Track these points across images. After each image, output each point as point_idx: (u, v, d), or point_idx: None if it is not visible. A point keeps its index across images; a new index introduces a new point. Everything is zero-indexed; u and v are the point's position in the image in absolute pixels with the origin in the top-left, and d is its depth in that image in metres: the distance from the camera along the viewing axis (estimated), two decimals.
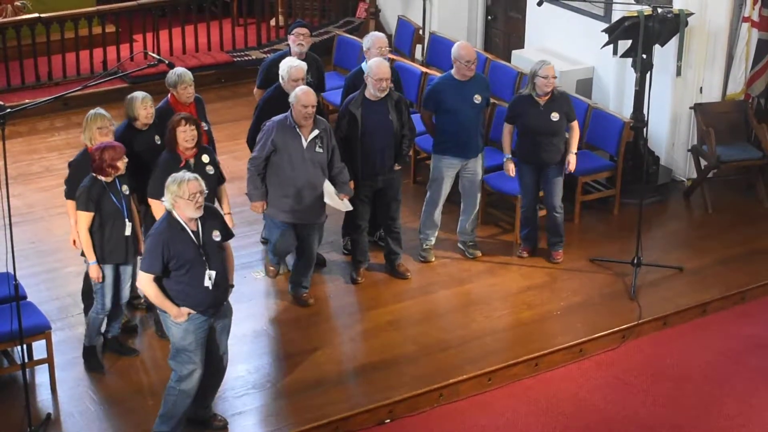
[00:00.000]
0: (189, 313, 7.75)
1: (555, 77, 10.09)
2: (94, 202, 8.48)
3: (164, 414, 8.07)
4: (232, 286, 8.15)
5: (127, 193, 8.65)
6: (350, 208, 9.70)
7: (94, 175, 8.51)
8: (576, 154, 10.40)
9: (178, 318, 7.74)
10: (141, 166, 9.08)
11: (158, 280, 7.72)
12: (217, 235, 7.87)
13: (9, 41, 14.04)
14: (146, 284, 7.72)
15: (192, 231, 7.70)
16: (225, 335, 8.15)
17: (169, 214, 7.69)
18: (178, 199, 7.59)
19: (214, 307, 7.89)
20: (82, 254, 8.78)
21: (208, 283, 7.75)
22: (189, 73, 9.77)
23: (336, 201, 9.53)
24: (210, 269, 7.76)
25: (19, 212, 10.93)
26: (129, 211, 8.65)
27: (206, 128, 9.90)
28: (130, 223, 8.64)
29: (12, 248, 7.70)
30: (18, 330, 7.99)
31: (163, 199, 7.74)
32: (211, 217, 7.86)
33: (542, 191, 10.50)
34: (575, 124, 10.40)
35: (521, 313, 9.91)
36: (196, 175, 7.74)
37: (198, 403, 8.16)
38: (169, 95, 9.76)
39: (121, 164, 8.49)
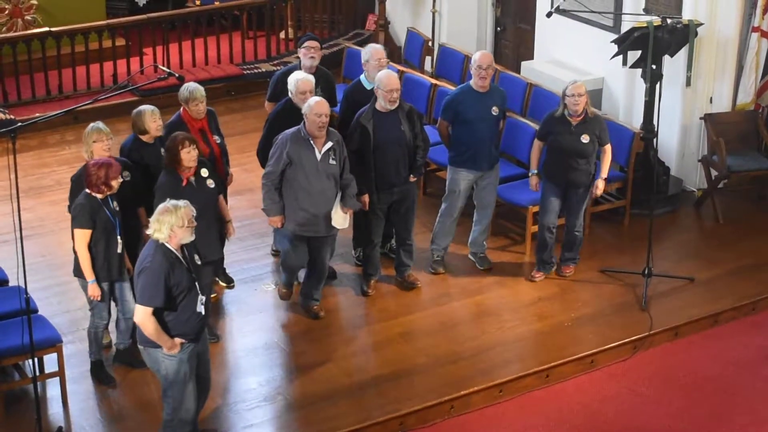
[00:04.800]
0: (182, 343, 7.68)
1: (582, 95, 9.91)
2: (92, 219, 8.47)
3: None
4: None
5: (117, 208, 8.61)
6: (344, 226, 9.62)
7: (89, 192, 8.49)
8: (605, 179, 10.29)
9: (172, 350, 7.65)
10: (151, 178, 9.09)
11: (155, 313, 7.57)
12: (198, 259, 7.81)
13: (20, 55, 14.08)
14: (146, 319, 7.55)
15: (182, 257, 7.63)
16: (208, 357, 8.11)
17: (160, 245, 7.55)
18: (177, 228, 7.49)
19: (201, 333, 7.83)
20: (75, 274, 8.76)
21: (200, 308, 7.71)
22: (201, 88, 9.72)
23: (338, 215, 9.48)
24: (201, 294, 7.72)
25: (30, 226, 10.95)
26: (121, 228, 8.62)
27: (218, 141, 9.90)
28: (122, 240, 8.62)
29: (23, 262, 7.71)
30: (29, 343, 8.00)
31: (150, 231, 7.58)
32: (190, 242, 7.75)
33: (564, 210, 10.38)
34: (608, 147, 10.23)
35: (532, 324, 9.90)
36: (186, 201, 7.64)
37: None
38: (181, 109, 9.75)
39: (115, 183, 8.44)
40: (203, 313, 7.74)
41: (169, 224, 7.49)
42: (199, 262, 7.81)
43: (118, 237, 8.60)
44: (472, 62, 10.26)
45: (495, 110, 10.25)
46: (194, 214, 7.62)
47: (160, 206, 7.59)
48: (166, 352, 7.67)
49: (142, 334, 7.69)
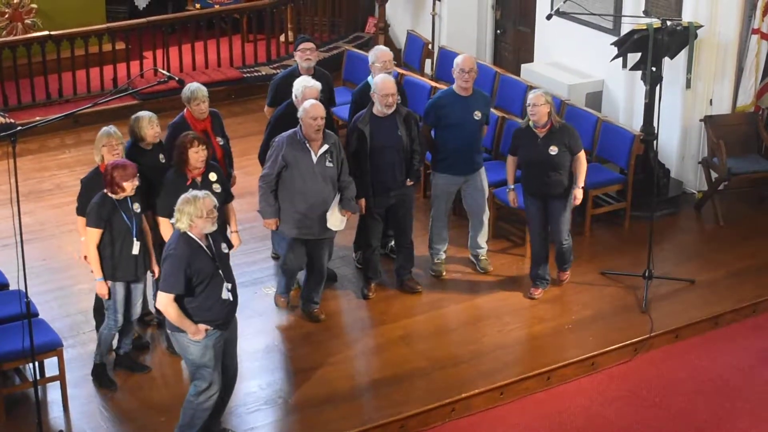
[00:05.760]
0: (206, 330, 7.77)
1: (540, 105, 9.69)
2: (104, 220, 8.50)
3: (183, 425, 8.11)
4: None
5: (138, 211, 8.65)
6: (340, 228, 9.60)
7: (106, 192, 8.53)
8: (583, 187, 10.04)
9: (196, 335, 7.76)
10: (147, 184, 9.09)
11: (177, 300, 7.72)
12: (225, 247, 7.95)
13: (20, 59, 14.09)
14: (167, 305, 7.71)
15: (205, 246, 7.75)
16: (235, 347, 8.22)
17: (182, 233, 7.69)
18: (196, 219, 7.62)
19: (229, 320, 7.94)
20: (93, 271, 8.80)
21: (227, 295, 7.81)
22: (203, 89, 9.75)
23: (335, 216, 9.49)
24: (227, 281, 7.82)
25: (30, 230, 10.95)
26: (139, 230, 8.65)
27: (222, 143, 9.91)
28: (139, 242, 8.64)
29: (23, 266, 7.71)
30: (30, 347, 8.00)
31: (173, 221, 7.74)
32: (217, 231, 7.89)
33: (548, 224, 10.24)
34: (581, 155, 10.00)
35: (533, 326, 9.90)
36: (206, 192, 7.80)
37: (210, 417, 8.17)
38: (184, 110, 9.77)
39: (128, 185, 8.46)
40: (230, 299, 7.84)
41: (188, 214, 7.63)
42: (226, 251, 7.95)
43: (134, 239, 8.61)
44: (454, 66, 10.22)
45: (477, 114, 10.22)
46: (216, 205, 7.73)
47: (182, 196, 7.73)
48: (190, 338, 7.76)
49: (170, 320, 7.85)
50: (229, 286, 7.86)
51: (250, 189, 11.32)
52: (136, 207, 8.63)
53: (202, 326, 7.76)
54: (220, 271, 7.80)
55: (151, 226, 9.03)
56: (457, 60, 10.22)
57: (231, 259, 10.08)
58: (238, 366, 8.35)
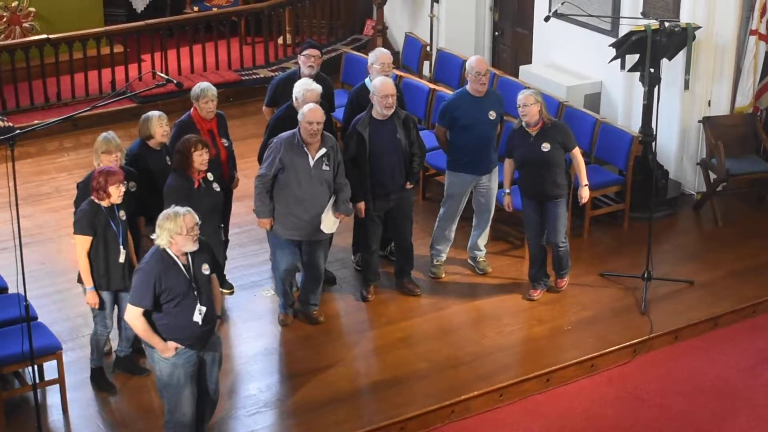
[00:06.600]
0: (176, 348, 7.67)
1: (529, 105, 9.74)
2: (92, 227, 8.45)
3: None
4: (219, 317, 8.08)
5: (124, 218, 8.58)
6: (332, 230, 9.60)
7: (92, 198, 8.47)
8: (587, 185, 10.12)
9: (164, 353, 7.66)
10: (153, 185, 9.09)
11: (146, 314, 7.62)
12: (206, 269, 7.76)
13: (18, 62, 14.08)
14: (134, 318, 7.62)
15: (183, 264, 7.62)
16: (216, 367, 8.05)
17: (161, 249, 7.57)
18: (176, 236, 7.50)
19: (202, 342, 7.79)
20: (79, 280, 8.76)
21: (197, 317, 7.66)
22: (213, 88, 9.82)
23: (329, 219, 9.48)
24: (201, 304, 7.66)
25: (29, 233, 10.95)
26: (125, 238, 8.60)
27: (226, 144, 9.94)
28: (125, 251, 8.60)
29: (22, 269, 7.71)
30: (29, 351, 8.00)
31: (154, 236, 7.62)
32: (201, 251, 7.71)
33: (545, 224, 10.25)
34: (576, 152, 10.07)
35: (532, 328, 9.89)
36: (188, 209, 7.62)
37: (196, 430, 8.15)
38: (191, 109, 9.81)
39: (114, 191, 8.37)
40: (199, 323, 7.68)
41: (168, 231, 7.51)
42: (206, 272, 7.75)
43: (121, 247, 8.57)
44: (468, 68, 10.24)
45: (492, 114, 10.25)
46: (197, 223, 7.59)
47: (163, 212, 7.60)
48: (159, 354, 7.69)
49: None
50: (203, 309, 7.68)
51: (248, 192, 11.28)
52: (122, 215, 8.56)
53: (172, 344, 7.65)
54: (195, 293, 7.65)
55: (142, 232, 9.02)
56: (471, 62, 10.22)
57: (229, 261, 10.16)
58: (219, 390, 8.21)
